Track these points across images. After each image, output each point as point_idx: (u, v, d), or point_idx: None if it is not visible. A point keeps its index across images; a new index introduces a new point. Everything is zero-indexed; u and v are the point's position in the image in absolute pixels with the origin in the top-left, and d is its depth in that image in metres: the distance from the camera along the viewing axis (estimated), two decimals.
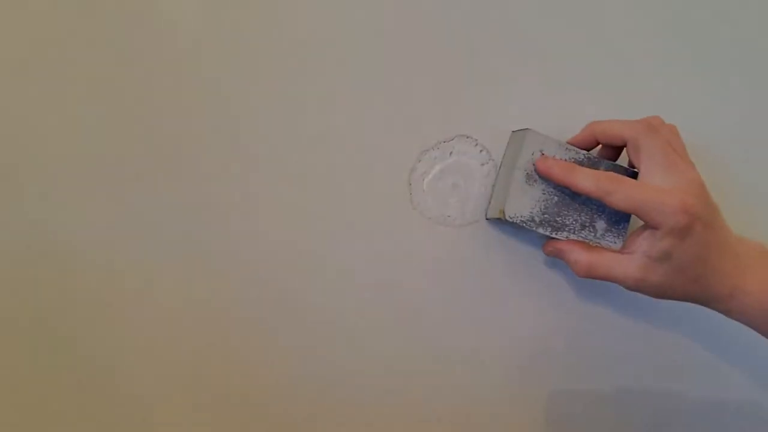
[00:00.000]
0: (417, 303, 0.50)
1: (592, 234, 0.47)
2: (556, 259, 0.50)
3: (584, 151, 0.47)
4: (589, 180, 0.43)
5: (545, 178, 0.46)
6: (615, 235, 0.47)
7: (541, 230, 0.46)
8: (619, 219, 0.47)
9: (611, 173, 0.44)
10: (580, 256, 0.45)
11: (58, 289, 0.47)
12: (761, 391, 0.54)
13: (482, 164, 0.50)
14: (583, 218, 0.46)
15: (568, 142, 0.47)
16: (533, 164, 0.46)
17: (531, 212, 0.46)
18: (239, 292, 0.49)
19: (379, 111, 0.48)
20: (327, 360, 0.50)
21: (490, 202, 0.49)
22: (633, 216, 0.46)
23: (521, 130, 0.47)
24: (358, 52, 0.48)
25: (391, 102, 0.48)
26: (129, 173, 0.47)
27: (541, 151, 0.46)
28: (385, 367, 0.51)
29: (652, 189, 0.42)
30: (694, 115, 0.51)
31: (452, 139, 0.49)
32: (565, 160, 0.46)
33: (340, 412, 0.51)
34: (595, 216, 0.47)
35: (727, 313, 0.44)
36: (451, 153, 0.49)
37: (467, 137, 0.49)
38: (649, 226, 0.42)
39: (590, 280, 0.45)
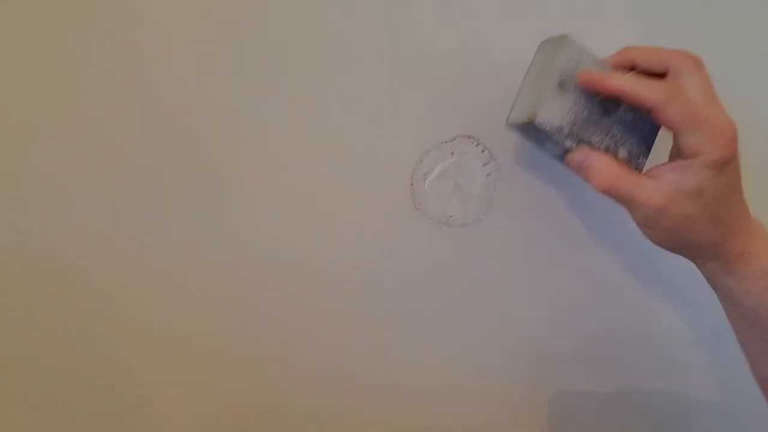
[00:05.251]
0: (418, 302, 0.51)
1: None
2: (557, 260, 0.51)
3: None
4: (643, 88, 0.39)
5: (583, 88, 0.41)
6: (634, 167, 0.43)
7: (568, 142, 0.42)
8: (640, 152, 0.43)
9: (665, 82, 0.39)
10: (610, 164, 0.41)
11: (61, 291, 0.47)
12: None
13: (484, 164, 0.50)
14: (607, 142, 0.43)
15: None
16: (568, 72, 0.42)
17: (561, 122, 0.42)
18: (240, 292, 0.49)
19: (381, 111, 0.48)
20: (327, 360, 0.51)
21: (512, 108, 0.44)
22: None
23: (556, 37, 0.43)
24: (359, 52, 0.47)
25: (393, 102, 0.48)
26: (130, 174, 0.46)
27: (576, 63, 0.42)
28: (385, 367, 0.51)
29: (710, 110, 0.38)
30: None
31: (454, 139, 0.49)
32: None
33: (339, 413, 0.51)
34: (618, 143, 0.43)
35: (726, 275, 0.40)
36: (452, 153, 0.49)
37: (469, 137, 0.49)
38: (685, 153, 0.38)
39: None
